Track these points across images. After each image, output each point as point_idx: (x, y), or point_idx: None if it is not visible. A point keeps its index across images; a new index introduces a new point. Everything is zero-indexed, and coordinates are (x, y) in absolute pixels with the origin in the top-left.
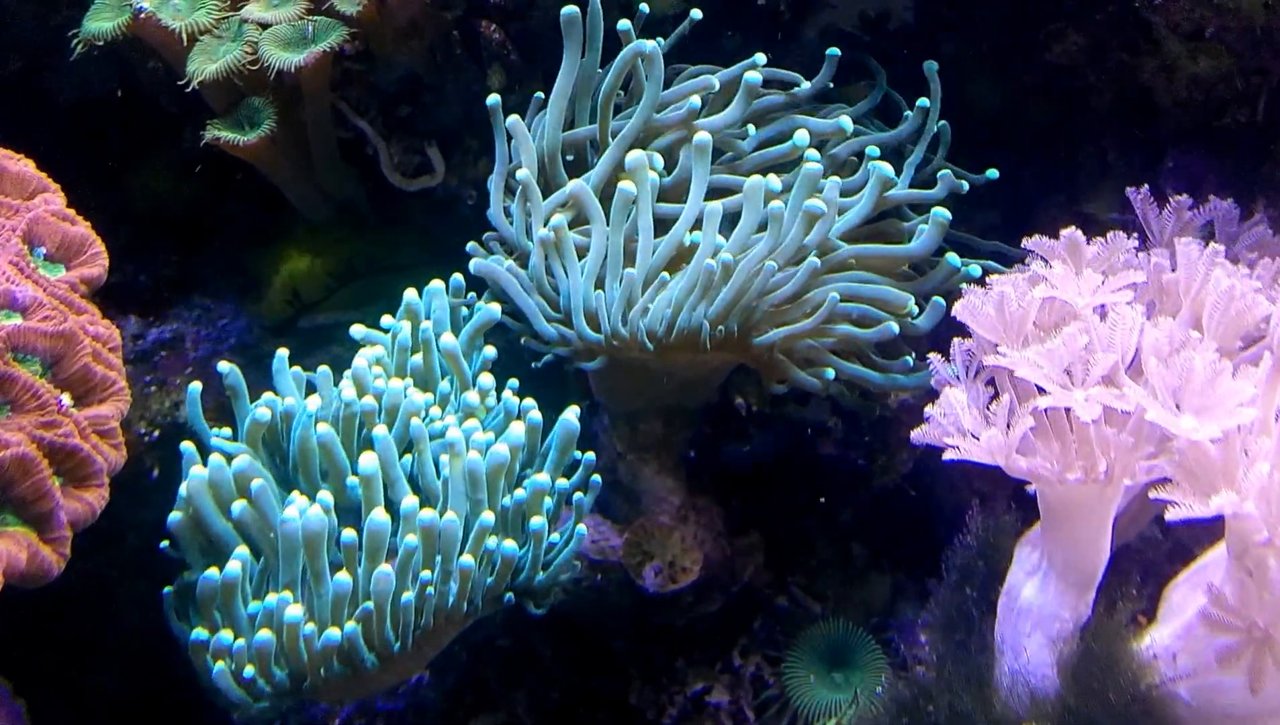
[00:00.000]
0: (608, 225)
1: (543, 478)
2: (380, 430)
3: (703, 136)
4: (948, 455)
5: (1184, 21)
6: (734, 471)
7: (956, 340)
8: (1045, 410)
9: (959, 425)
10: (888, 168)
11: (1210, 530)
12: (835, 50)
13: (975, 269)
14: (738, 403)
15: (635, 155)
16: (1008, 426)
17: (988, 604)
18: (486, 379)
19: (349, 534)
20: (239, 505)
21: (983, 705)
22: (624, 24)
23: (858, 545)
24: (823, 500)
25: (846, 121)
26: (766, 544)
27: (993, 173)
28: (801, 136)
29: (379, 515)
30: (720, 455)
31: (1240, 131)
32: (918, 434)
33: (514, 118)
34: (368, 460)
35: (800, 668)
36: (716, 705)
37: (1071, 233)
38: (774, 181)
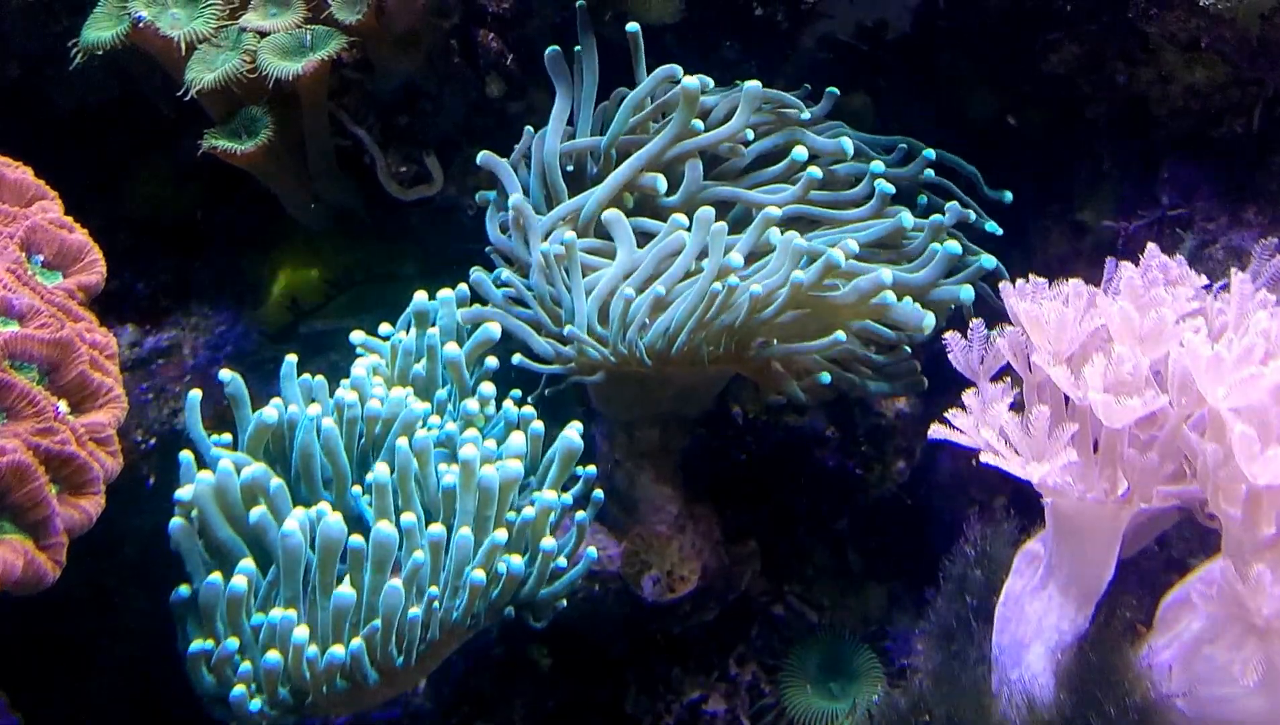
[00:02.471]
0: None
1: (551, 496)
2: (401, 442)
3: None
4: (984, 457)
5: (1180, 32)
6: (731, 479)
7: (975, 321)
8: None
9: (997, 431)
10: (908, 216)
11: (1205, 543)
12: (834, 90)
13: (990, 260)
14: (735, 412)
15: (710, 217)
16: (1048, 440)
17: (985, 613)
18: (487, 387)
19: (356, 539)
20: (257, 511)
21: (980, 715)
22: (633, 26)
23: (854, 554)
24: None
25: (847, 143)
26: (763, 552)
27: (1007, 195)
28: (800, 152)
29: (386, 527)
30: (717, 463)
31: (1235, 141)
32: (939, 429)
33: (485, 153)
34: (382, 470)
35: (797, 677)
36: (713, 714)
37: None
38: (800, 240)
